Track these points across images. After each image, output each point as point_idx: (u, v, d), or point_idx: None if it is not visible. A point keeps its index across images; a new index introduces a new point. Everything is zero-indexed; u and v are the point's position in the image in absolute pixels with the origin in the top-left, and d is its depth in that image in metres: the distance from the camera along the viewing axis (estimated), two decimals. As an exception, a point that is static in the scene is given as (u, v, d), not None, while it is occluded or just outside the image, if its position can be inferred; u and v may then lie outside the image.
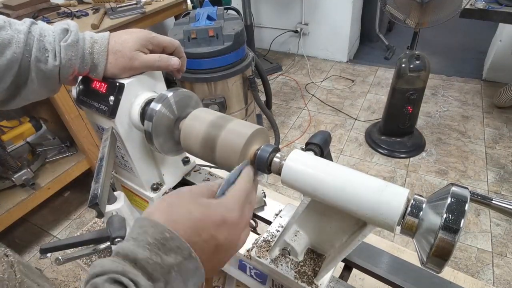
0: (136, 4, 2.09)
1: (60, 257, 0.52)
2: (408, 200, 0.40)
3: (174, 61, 0.59)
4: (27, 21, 0.51)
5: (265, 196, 0.70)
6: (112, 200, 0.57)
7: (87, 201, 0.46)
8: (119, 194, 0.59)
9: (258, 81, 2.22)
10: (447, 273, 0.72)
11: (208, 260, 0.36)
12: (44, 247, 0.49)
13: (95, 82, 0.59)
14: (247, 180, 0.43)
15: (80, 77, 0.60)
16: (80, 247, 0.54)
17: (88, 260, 0.83)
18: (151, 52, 0.58)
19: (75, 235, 0.89)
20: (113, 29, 1.96)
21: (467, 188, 0.38)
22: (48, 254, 0.52)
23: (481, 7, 2.03)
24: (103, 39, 0.54)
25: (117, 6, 2.04)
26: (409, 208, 0.39)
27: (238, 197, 0.40)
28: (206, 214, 0.36)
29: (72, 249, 0.55)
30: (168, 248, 0.32)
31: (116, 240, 0.53)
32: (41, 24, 0.52)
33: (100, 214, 0.51)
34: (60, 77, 0.53)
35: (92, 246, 0.55)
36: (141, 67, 0.56)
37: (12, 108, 0.55)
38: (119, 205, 0.57)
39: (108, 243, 0.55)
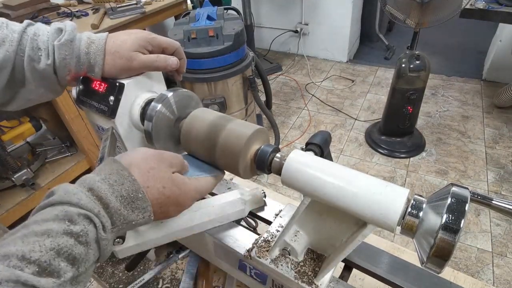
0: (136, 4, 2.09)
1: None
2: (408, 200, 0.40)
3: (173, 60, 0.58)
4: (25, 22, 0.51)
5: (265, 196, 0.70)
6: None
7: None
8: None
9: (258, 81, 2.22)
10: (447, 273, 0.72)
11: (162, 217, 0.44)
12: None
13: (95, 82, 0.58)
14: (214, 183, 0.51)
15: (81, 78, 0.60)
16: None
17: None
18: (151, 53, 0.57)
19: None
20: (113, 29, 1.96)
21: (467, 188, 0.38)
22: None
23: (481, 7, 2.03)
24: (101, 39, 0.53)
25: (117, 6, 2.04)
26: (409, 208, 0.39)
27: (201, 191, 0.48)
28: (174, 193, 0.42)
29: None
30: (135, 206, 0.37)
31: (116, 240, 0.53)
32: (37, 24, 0.52)
33: None
34: (57, 77, 0.53)
35: None
36: (139, 67, 0.55)
37: (14, 110, 0.55)
38: None
39: None
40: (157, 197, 0.40)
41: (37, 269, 0.28)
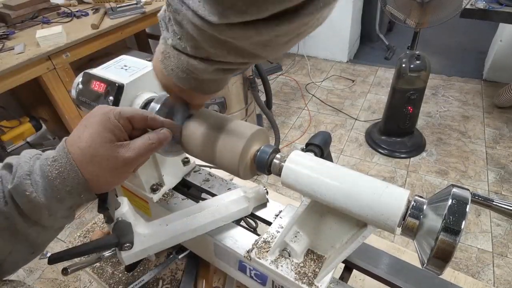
0: (136, 4, 2.09)
1: (67, 268, 0.52)
2: (409, 201, 0.40)
3: (163, 132, 0.45)
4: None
5: (267, 193, 0.70)
6: (116, 205, 0.57)
7: (88, 202, 0.46)
8: (122, 199, 0.59)
9: (258, 81, 2.21)
10: (448, 273, 0.72)
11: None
12: (52, 257, 0.48)
13: (94, 82, 0.58)
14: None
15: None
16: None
17: (93, 268, 0.83)
18: (123, 126, 0.42)
19: (83, 242, 0.89)
20: (113, 29, 1.95)
21: (468, 190, 0.38)
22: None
23: (482, 7, 2.03)
24: (60, 150, 0.40)
25: (117, 6, 2.04)
26: (409, 210, 0.39)
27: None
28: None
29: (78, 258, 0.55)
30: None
31: (125, 245, 0.53)
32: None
33: (110, 219, 0.50)
34: (40, 217, 0.40)
35: (98, 254, 0.55)
36: (136, 157, 0.41)
37: None
38: (124, 210, 0.57)
39: (113, 251, 0.55)
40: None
41: None
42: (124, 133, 0.42)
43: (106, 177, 0.41)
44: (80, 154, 0.39)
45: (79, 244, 0.79)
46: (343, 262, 0.58)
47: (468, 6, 2.02)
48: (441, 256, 0.35)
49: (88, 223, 0.96)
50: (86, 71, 0.62)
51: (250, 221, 0.77)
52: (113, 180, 0.42)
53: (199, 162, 0.76)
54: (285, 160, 0.47)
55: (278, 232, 0.60)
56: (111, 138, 0.40)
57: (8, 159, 0.41)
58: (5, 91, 1.56)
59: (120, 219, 0.56)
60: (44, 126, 2.00)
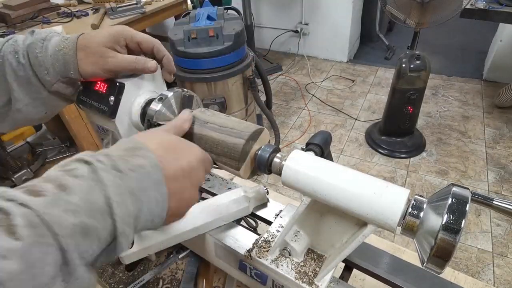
0: (136, 4, 2.09)
1: None
2: (409, 201, 0.40)
3: (152, 64, 0.54)
4: (12, 35, 0.54)
5: (267, 193, 0.71)
6: None
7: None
8: None
9: (258, 81, 2.22)
10: (448, 273, 0.72)
11: (173, 179, 0.38)
12: None
13: (95, 82, 0.58)
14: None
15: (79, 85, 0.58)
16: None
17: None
18: (127, 48, 0.54)
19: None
20: (113, 29, 1.96)
21: (468, 189, 0.38)
22: None
23: (482, 7, 2.03)
24: (73, 36, 0.51)
25: (117, 6, 2.05)
26: (409, 209, 0.39)
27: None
28: (173, 141, 0.42)
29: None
30: (137, 154, 0.36)
31: None
32: (21, 34, 0.54)
33: None
34: (41, 81, 0.51)
35: None
36: (115, 66, 0.52)
37: (7, 130, 0.54)
38: None
39: None
40: (158, 142, 0.40)
41: (25, 189, 0.29)
42: (124, 49, 0.53)
43: (91, 63, 0.51)
44: (83, 39, 0.51)
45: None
46: (343, 261, 0.58)
47: (468, 6, 2.02)
48: (441, 255, 0.35)
49: (88, 223, 0.95)
50: (87, 70, 0.62)
51: (251, 220, 0.77)
52: (96, 71, 0.52)
53: (199, 161, 0.75)
54: (286, 160, 0.47)
55: (278, 231, 0.60)
56: (109, 44, 0.51)
57: (33, 29, 0.53)
58: (5, 91, 1.56)
59: None
60: (44, 126, 2.00)
